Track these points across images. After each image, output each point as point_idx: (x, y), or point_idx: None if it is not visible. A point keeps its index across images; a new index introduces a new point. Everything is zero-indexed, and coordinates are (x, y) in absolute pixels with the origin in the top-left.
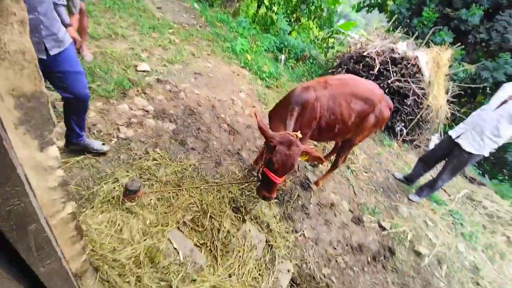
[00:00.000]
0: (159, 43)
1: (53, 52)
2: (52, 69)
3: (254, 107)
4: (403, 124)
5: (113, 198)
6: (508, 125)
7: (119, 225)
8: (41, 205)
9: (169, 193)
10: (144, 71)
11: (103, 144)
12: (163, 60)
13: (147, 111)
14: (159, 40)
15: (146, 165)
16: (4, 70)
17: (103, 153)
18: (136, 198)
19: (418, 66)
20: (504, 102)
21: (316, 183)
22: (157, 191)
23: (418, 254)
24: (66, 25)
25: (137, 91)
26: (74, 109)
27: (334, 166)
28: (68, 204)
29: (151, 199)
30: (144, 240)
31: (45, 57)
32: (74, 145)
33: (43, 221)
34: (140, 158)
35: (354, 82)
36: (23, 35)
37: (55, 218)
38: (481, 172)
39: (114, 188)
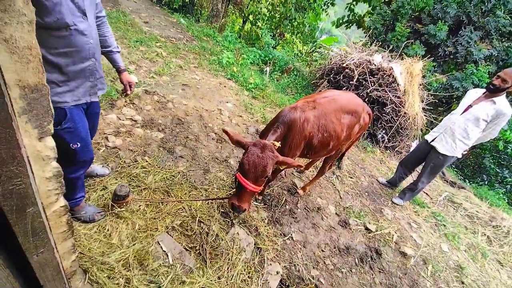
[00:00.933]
0: (147, 56)
1: (99, 93)
2: (91, 111)
3: (241, 116)
4: (384, 131)
5: (103, 206)
6: (474, 127)
7: (108, 230)
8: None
9: (158, 199)
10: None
11: (103, 166)
12: (150, 72)
13: (135, 120)
14: (147, 53)
15: (135, 172)
16: (13, 63)
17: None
18: (125, 204)
19: (393, 76)
20: (470, 106)
21: (303, 188)
22: (145, 200)
23: (404, 254)
24: (122, 70)
25: (125, 101)
26: None
27: (321, 172)
28: (61, 197)
29: (140, 205)
30: (133, 245)
31: (97, 100)
32: None
33: (40, 206)
34: (129, 166)
35: (340, 97)
36: (31, 33)
37: (49, 210)
38: (462, 177)
39: (103, 195)
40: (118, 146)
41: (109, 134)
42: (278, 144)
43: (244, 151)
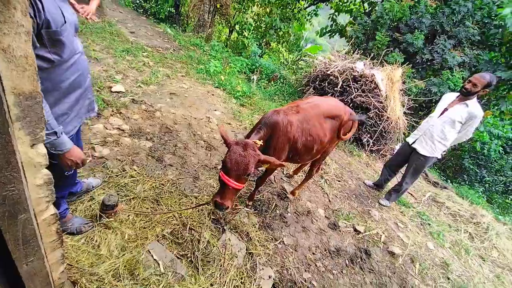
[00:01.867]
0: (134, 66)
1: (95, 108)
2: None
3: (229, 124)
4: (368, 135)
5: (91, 217)
6: (450, 129)
7: (96, 241)
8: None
9: (148, 208)
10: (118, 92)
11: (95, 177)
12: (138, 81)
13: (122, 130)
14: (133, 63)
15: (123, 182)
16: (10, 72)
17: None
18: (114, 214)
19: (375, 82)
20: (445, 110)
21: (293, 192)
22: (134, 211)
23: (392, 254)
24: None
25: (112, 111)
26: None
27: (309, 176)
28: (51, 205)
29: (129, 215)
30: (123, 255)
31: (96, 114)
32: (74, 195)
33: (32, 213)
34: (116, 176)
35: (322, 102)
36: (27, 43)
37: (39, 217)
38: (444, 178)
39: (90, 206)
40: (105, 156)
41: (95, 144)
42: (260, 142)
43: (227, 149)
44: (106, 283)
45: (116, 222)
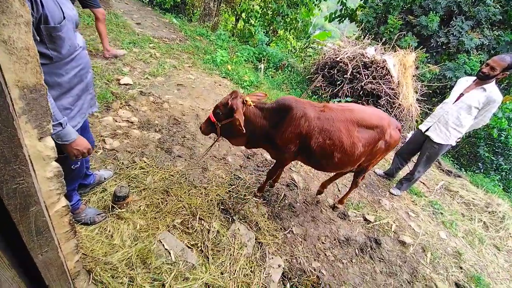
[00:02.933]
0: (140, 57)
1: (96, 104)
2: (85, 125)
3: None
4: None
5: (104, 208)
6: (466, 115)
7: (109, 231)
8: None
9: (158, 198)
10: (126, 84)
11: (106, 169)
12: (145, 73)
13: (132, 122)
14: (140, 55)
15: (134, 173)
16: (12, 64)
17: None
18: (125, 205)
19: (386, 68)
20: (461, 95)
21: (340, 201)
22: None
23: (403, 243)
24: None
25: (121, 103)
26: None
27: (354, 185)
28: (62, 197)
29: (140, 206)
30: (135, 244)
31: (97, 109)
32: (87, 187)
33: (43, 205)
34: (127, 167)
35: (359, 109)
36: (28, 34)
37: (51, 210)
38: (458, 166)
39: (103, 197)
40: (116, 148)
41: (106, 137)
42: (250, 101)
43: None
44: (120, 272)
45: (128, 212)
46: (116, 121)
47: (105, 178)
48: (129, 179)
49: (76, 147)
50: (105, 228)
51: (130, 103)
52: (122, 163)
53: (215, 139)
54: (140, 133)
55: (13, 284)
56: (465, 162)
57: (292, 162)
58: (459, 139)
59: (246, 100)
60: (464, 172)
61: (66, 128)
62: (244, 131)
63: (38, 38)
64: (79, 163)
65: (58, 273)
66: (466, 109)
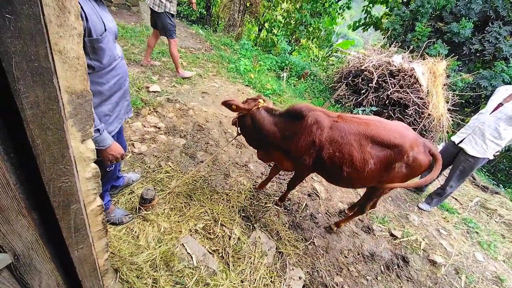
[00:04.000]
0: (168, 66)
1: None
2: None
3: None
4: None
5: (131, 209)
6: (507, 126)
7: (135, 232)
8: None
9: (181, 203)
10: (155, 91)
11: (134, 172)
12: (172, 81)
13: (159, 127)
14: (168, 64)
15: (159, 177)
16: (64, 72)
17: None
18: (151, 207)
19: (415, 76)
20: (500, 104)
21: (337, 224)
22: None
23: (433, 263)
24: None
25: (149, 110)
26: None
27: (360, 211)
28: (98, 197)
29: (164, 209)
30: (159, 246)
31: (132, 115)
32: (116, 188)
33: (82, 204)
34: (153, 171)
35: (377, 123)
36: (79, 44)
37: (88, 208)
38: (495, 182)
39: (130, 199)
40: (144, 152)
41: (135, 141)
42: (262, 102)
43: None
44: (144, 273)
45: (153, 215)
46: (145, 127)
47: (133, 181)
48: (155, 182)
49: (111, 152)
50: (131, 229)
51: (158, 109)
52: (149, 166)
53: (237, 133)
54: (166, 139)
55: (52, 277)
56: (503, 177)
57: None
58: (498, 153)
59: (258, 101)
60: (503, 189)
61: (103, 134)
62: (237, 127)
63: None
64: (113, 166)
65: (90, 269)
66: (506, 120)
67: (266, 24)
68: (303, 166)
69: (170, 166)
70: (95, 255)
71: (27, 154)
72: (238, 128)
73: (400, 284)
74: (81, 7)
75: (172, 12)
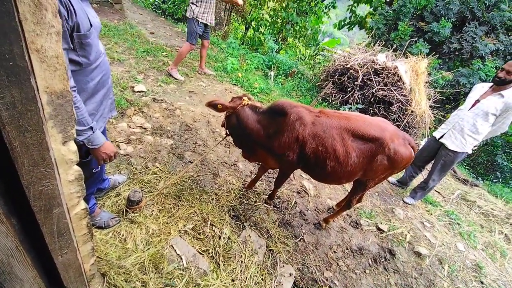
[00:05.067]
0: (154, 65)
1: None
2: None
3: None
4: None
5: (118, 212)
6: (483, 122)
7: (123, 235)
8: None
9: (170, 204)
10: (140, 91)
11: (120, 174)
12: (158, 80)
13: (145, 128)
14: (154, 63)
15: (147, 178)
16: (43, 71)
17: None
18: (139, 209)
19: (398, 74)
20: (477, 101)
21: (326, 220)
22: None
23: (418, 254)
24: None
25: (135, 110)
26: None
27: (347, 206)
28: (81, 200)
29: (152, 210)
30: (148, 249)
31: (116, 114)
32: (102, 191)
33: (65, 208)
34: (140, 173)
35: (358, 118)
36: (58, 43)
37: (71, 212)
38: (474, 175)
39: (117, 201)
40: (130, 154)
41: (120, 142)
42: (246, 100)
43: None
44: (133, 276)
45: (141, 217)
46: (130, 127)
47: (119, 183)
48: (142, 184)
49: (104, 151)
50: (118, 232)
51: (143, 109)
52: (136, 168)
53: (226, 133)
54: (153, 139)
55: (34, 284)
56: (481, 170)
57: None
58: (476, 147)
59: (243, 99)
60: (481, 181)
61: (96, 132)
62: (225, 129)
63: (72, 46)
64: (99, 167)
65: (76, 275)
66: (482, 116)
67: (253, 23)
68: (287, 163)
69: (158, 167)
70: (81, 260)
71: (5, 157)
72: (227, 129)
73: (387, 276)
74: (70, 2)
75: (199, 19)
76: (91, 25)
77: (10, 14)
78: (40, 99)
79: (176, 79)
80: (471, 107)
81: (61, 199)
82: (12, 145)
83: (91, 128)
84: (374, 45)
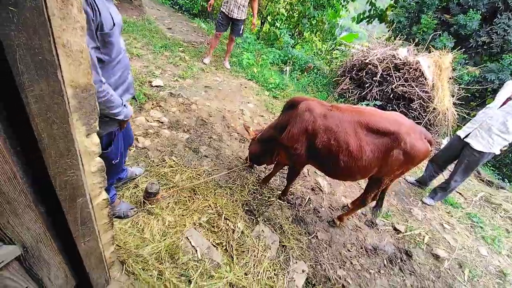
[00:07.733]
0: (171, 61)
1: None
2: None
3: (262, 116)
4: None
5: (136, 203)
6: None
7: (140, 225)
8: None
9: (185, 196)
10: (158, 86)
11: (138, 166)
12: (175, 75)
13: (162, 122)
14: (171, 58)
15: (163, 171)
16: (68, 65)
17: None
18: (156, 201)
19: (420, 70)
20: (509, 99)
21: (340, 218)
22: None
23: (436, 257)
24: None
25: (152, 104)
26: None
27: (362, 204)
28: (103, 191)
29: (168, 203)
30: (164, 239)
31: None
32: (120, 181)
33: (88, 197)
34: (157, 165)
35: (372, 112)
36: (82, 37)
37: (94, 202)
38: (500, 177)
39: (135, 193)
40: (147, 147)
41: (138, 136)
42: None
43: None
44: (150, 265)
45: (158, 208)
46: (148, 121)
47: (136, 174)
48: (159, 176)
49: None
50: (137, 222)
51: (161, 104)
52: (153, 161)
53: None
54: (169, 133)
55: (60, 269)
56: (508, 172)
57: None
58: (505, 147)
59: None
60: (508, 184)
61: (127, 106)
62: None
63: (97, 45)
64: (119, 158)
65: (97, 261)
66: None
67: (268, 17)
68: (295, 157)
69: (174, 161)
70: (102, 248)
71: (34, 149)
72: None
73: (403, 277)
74: (95, 2)
75: (222, 10)
76: (114, 24)
77: (40, 9)
78: (66, 92)
79: (228, 68)
80: (502, 105)
81: (85, 189)
82: (40, 137)
83: (125, 105)
84: (394, 39)
